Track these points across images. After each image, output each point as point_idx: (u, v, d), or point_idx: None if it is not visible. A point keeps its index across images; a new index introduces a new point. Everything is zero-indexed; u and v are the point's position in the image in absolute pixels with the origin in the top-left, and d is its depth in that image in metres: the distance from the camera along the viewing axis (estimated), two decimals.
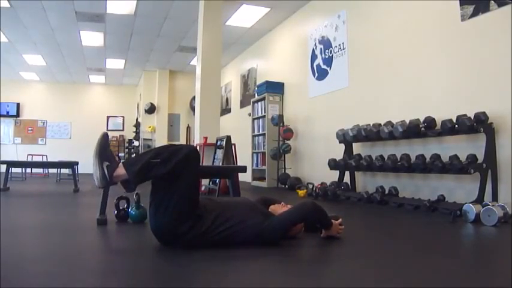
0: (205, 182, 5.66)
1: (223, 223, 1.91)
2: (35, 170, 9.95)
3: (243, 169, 3.17)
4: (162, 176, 1.83)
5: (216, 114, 6.36)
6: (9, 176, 5.41)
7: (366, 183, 4.88)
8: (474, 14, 3.55)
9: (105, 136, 1.95)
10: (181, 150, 1.89)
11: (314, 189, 4.89)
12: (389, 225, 2.96)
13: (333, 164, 4.79)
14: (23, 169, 8.43)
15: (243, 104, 9.29)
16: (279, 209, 2.18)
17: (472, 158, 3.33)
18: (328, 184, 4.95)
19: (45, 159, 10.26)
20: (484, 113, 3.28)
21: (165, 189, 1.87)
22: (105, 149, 1.90)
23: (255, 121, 7.56)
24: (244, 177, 7.48)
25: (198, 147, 6.10)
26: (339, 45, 5.59)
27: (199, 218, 1.88)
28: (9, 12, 6.83)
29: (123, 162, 1.89)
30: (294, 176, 6.44)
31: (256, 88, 7.89)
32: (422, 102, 4.10)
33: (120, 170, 1.85)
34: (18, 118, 12.79)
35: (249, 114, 7.97)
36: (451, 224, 2.86)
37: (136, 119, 12.81)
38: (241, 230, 1.91)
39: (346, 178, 4.88)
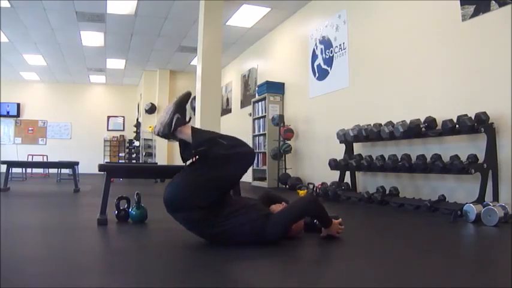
0: None
1: (228, 219, 1.90)
2: (35, 170, 9.94)
3: None
4: (219, 156, 1.87)
5: (217, 114, 6.36)
6: (9, 176, 5.40)
7: (367, 183, 4.88)
8: (475, 14, 3.54)
9: (189, 93, 2.02)
10: (245, 146, 1.96)
11: (315, 189, 4.89)
12: (389, 226, 2.96)
13: (334, 164, 4.79)
14: (23, 169, 8.43)
15: (243, 104, 9.29)
16: (278, 208, 2.17)
17: (473, 158, 3.33)
18: (328, 184, 4.95)
19: (45, 159, 10.27)
20: (484, 113, 3.27)
21: (206, 168, 1.89)
22: (183, 104, 1.97)
23: (256, 121, 7.56)
24: (245, 177, 7.44)
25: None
26: (340, 45, 5.59)
27: (212, 210, 1.89)
28: (9, 12, 6.83)
29: (192, 126, 1.94)
30: (294, 176, 6.44)
31: (256, 88, 7.89)
32: (422, 102, 4.10)
33: (187, 129, 1.91)
34: (18, 118, 12.80)
35: (250, 114, 7.98)
36: (451, 224, 2.85)
37: (137, 119, 12.81)
38: (243, 227, 1.90)
39: (347, 178, 4.87)
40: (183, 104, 1.97)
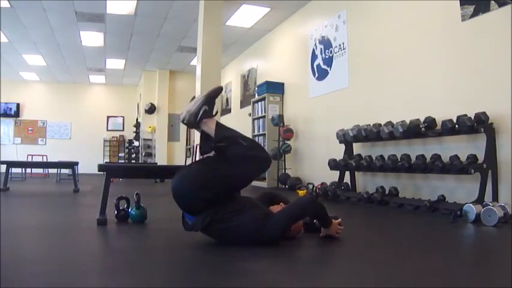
0: None
1: (233, 217, 1.90)
2: (35, 170, 9.94)
3: None
4: (236, 155, 1.90)
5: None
6: (9, 176, 5.40)
7: (366, 183, 4.88)
8: (474, 14, 3.55)
9: (221, 88, 2.08)
10: (264, 151, 2.02)
11: (314, 189, 4.89)
12: (389, 226, 2.96)
13: (333, 164, 4.79)
14: (23, 169, 8.43)
15: (243, 104, 9.28)
16: (277, 209, 2.16)
17: (473, 158, 3.33)
18: (328, 184, 4.95)
19: (45, 160, 10.26)
20: (484, 113, 3.27)
21: (219, 164, 1.91)
22: (213, 97, 2.01)
23: (255, 121, 7.56)
24: None
25: (198, 147, 6.11)
26: (339, 45, 5.59)
27: (214, 205, 1.90)
28: (9, 12, 6.83)
29: (217, 121, 1.98)
30: (294, 176, 6.44)
31: (256, 88, 7.89)
32: (422, 102, 4.10)
33: (212, 123, 1.96)
34: (18, 118, 12.79)
35: (249, 115, 7.97)
36: (451, 224, 2.86)
37: (137, 119, 12.81)
38: (246, 225, 1.90)
39: (347, 178, 4.87)
40: (213, 97, 2.01)
